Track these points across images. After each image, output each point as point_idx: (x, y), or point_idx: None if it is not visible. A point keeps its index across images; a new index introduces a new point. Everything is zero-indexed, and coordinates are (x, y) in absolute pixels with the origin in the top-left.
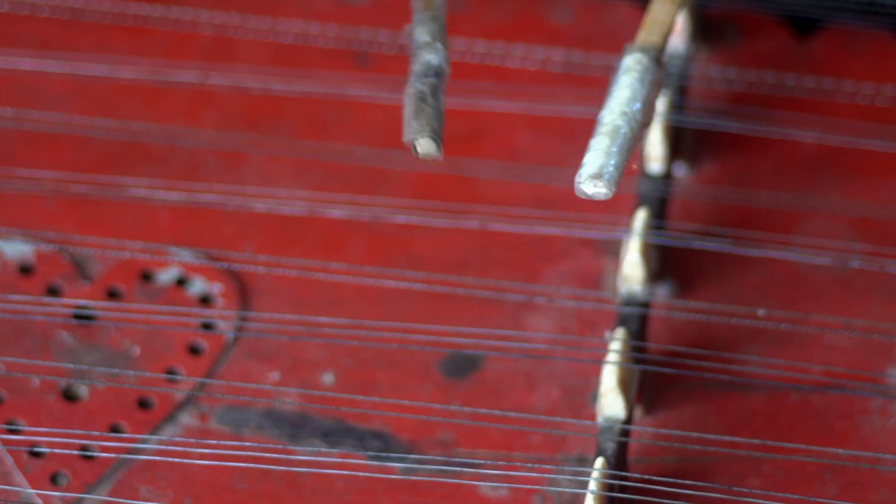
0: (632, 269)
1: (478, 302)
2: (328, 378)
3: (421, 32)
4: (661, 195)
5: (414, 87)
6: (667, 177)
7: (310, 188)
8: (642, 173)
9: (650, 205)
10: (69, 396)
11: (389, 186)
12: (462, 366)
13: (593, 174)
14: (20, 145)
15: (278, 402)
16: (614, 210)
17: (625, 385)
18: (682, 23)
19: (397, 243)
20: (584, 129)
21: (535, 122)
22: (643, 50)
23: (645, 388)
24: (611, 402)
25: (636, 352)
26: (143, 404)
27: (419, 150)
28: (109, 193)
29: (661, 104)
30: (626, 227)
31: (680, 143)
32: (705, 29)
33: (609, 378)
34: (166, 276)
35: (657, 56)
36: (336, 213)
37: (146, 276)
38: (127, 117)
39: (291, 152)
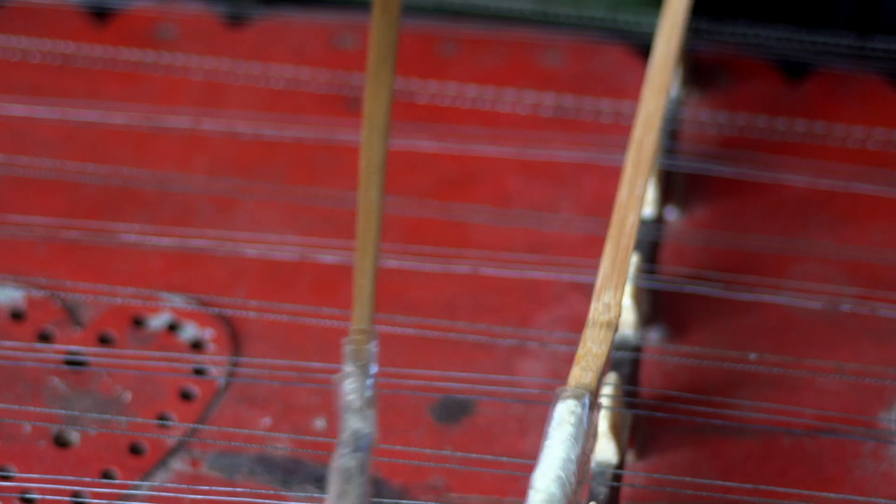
0: (623, 313)
1: (469, 346)
2: (320, 423)
3: (351, 392)
4: (653, 239)
5: (341, 462)
6: (658, 221)
7: (301, 233)
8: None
9: (642, 249)
10: (61, 442)
11: (380, 231)
12: (454, 410)
13: None
14: (11, 191)
15: (270, 447)
16: None
17: (617, 429)
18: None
19: (389, 288)
20: (576, 174)
21: (527, 167)
22: (576, 396)
23: (637, 432)
24: (603, 447)
25: (628, 396)
26: (135, 450)
27: None
28: (101, 239)
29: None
30: None
31: (671, 187)
32: (696, 73)
33: (601, 422)
34: (158, 321)
35: (592, 400)
36: (327, 258)
37: (138, 322)
38: (118, 163)
39: (283, 197)
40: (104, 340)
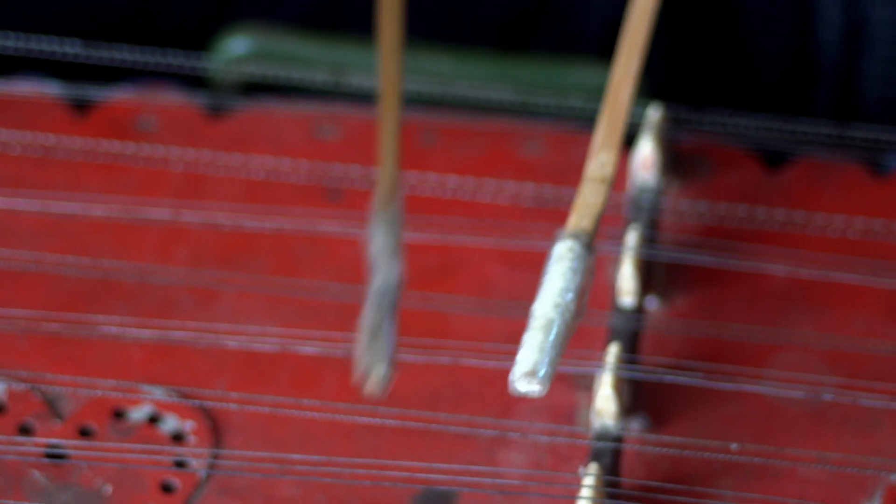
0: (604, 404)
1: (450, 437)
2: None
3: (381, 239)
4: (633, 329)
5: (371, 310)
6: (638, 310)
7: (282, 325)
8: (614, 307)
9: (622, 339)
10: None
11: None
12: (436, 502)
13: (527, 372)
14: None
15: None
16: (586, 345)
17: None
18: (653, 157)
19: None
20: None
21: (508, 257)
22: (575, 236)
23: None
24: None
25: (610, 486)
26: None
27: (371, 380)
28: (81, 331)
29: (633, 239)
30: (599, 361)
31: (651, 276)
32: (676, 163)
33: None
34: (138, 413)
35: (588, 242)
36: (308, 349)
37: (118, 414)
38: (99, 255)
39: (263, 289)
40: (84, 433)
